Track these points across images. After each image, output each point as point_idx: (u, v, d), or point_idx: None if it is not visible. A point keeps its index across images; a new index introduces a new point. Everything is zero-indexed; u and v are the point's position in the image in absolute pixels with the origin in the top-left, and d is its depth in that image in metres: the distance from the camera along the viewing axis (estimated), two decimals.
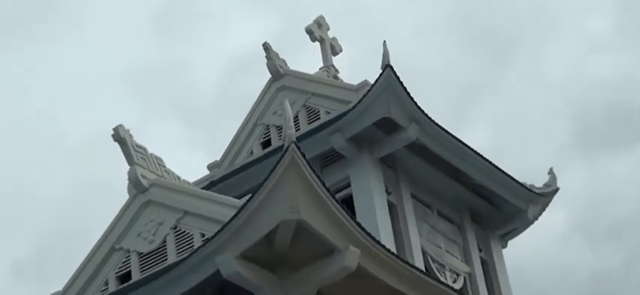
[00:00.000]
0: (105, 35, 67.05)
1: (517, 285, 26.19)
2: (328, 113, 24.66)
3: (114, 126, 20.93)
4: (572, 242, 61.22)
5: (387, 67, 23.07)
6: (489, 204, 25.72)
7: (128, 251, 20.56)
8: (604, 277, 60.28)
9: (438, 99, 48.07)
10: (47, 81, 67.77)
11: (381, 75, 23.16)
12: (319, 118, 24.78)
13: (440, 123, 23.81)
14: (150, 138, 21.39)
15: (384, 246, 18.48)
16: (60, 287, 20.87)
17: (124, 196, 21.05)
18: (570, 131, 66.51)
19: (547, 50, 67.86)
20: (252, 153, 25.93)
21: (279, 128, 24.86)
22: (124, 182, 20.93)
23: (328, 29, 28.00)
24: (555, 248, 56.59)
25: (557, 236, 53.69)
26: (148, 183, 20.65)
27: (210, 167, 26.24)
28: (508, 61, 67.43)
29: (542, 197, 26.40)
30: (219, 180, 24.87)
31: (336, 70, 27.57)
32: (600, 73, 65.88)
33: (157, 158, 21.39)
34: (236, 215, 17.23)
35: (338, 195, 19.77)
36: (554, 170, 27.06)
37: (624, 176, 63.75)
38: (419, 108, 23.27)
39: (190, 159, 52.41)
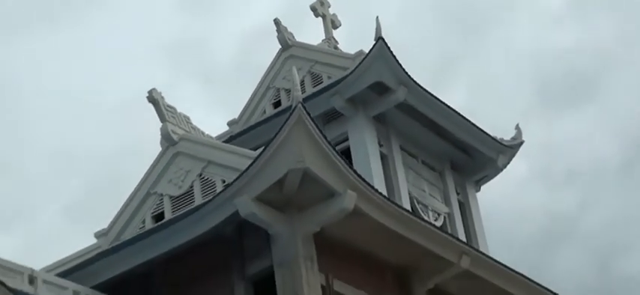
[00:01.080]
0: (139, 14, 66.97)
1: (487, 225, 26.35)
2: (329, 78, 24.60)
3: (148, 90, 21.11)
4: (533, 188, 61.17)
5: (379, 39, 23.08)
6: (466, 155, 25.68)
7: (161, 195, 20.64)
8: (560, 217, 60.77)
9: (422, 66, 47.76)
10: (92, 54, 67.88)
11: (374, 45, 23.13)
12: (322, 82, 24.74)
13: (424, 87, 23.88)
14: (178, 100, 21.46)
15: (377, 190, 18.63)
16: (105, 226, 21.18)
17: (157, 149, 21.13)
18: (533, 93, 66.30)
19: (514, 24, 67.65)
20: (265, 112, 25.86)
21: (288, 91, 24.75)
22: (157, 137, 20.96)
23: (329, 6, 27.90)
24: (519, 192, 56.53)
25: (521, 182, 53.72)
26: (177, 138, 20.67)
27: (229, 124, 26.18)
28: (481, 34, 67.25)
29: (509, 148, 26.40)
30: (237, 135, 24.83)
31: (336, 42, 27.50)
32: (559, 43, 65.80)
33: (184, 116, 21.43)
34: (252, 164, 17.40)
35: (338, 148, 19.76)
36: (519, 126, 27.05)
37: (578, 131, 63.90)
38: (406, 73, 23.27)
39: (212, 118, 52.78)
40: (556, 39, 67.11)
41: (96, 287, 18.37)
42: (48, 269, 18.56)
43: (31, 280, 16.80)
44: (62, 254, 20.56)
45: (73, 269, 18.98)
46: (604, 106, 66.92)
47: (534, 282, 21.59)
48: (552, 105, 66.70)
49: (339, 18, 28.11)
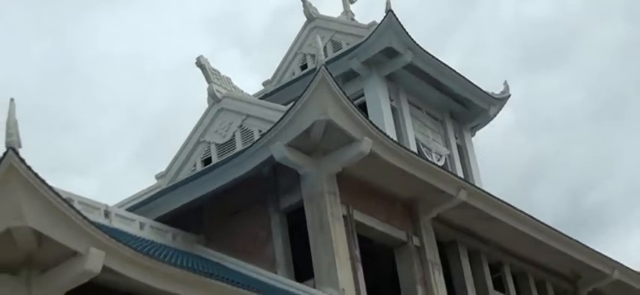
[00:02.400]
0: None
1: (481, 164, 26.42)
2: (348, 45, 24.61)
3: (196, 56, 21.20)
4: (517, 133, 61.34)
5: (388, 11, 23.12)
6: (462, 106, 25.68)
7: (209, 143, 20.76)
8: (539, 158, 61.19)
9: (423, 31, 47.90)
10: (148, 28, 68.40)
11: (384, 17, 23.19)
12: (341, 48, 24.74)
13: (427, 50, 23.90)
14: (220, 64, 21.57)
15: (388, 136, 18.73)
16: (163, 169, 21.43)
17: (204, 105, 21.28)
18: (517, 54, 66.44)
19: None
20: (293, 74, 25.87)
21: (313, 56, 24.75)
22: (205, 95, 21.12)
23: None
24: (506, 137, 56.61)
25: (507, 129, 53.94)
26: (221, 96, 20.77)
27: (264, 84, 26.21)
28: (472, 4, 67.37)
29: (499, 100, 26.40)
30: (270, 93, 24.85)
31: (353, 14, 27.39)
32: (539, 12, 66.08)
33: (226, 78, 21.44)
34: (283, 116, 17.43)
35: (355, 102, 19.87)
36: (507, 82, 27.12)
37: (554, 87, 64.34)
38: (412, 39, 23.27)
39: (249, 80, 52.97)
40: (536, 8, 67.33)
41: (157, 219, 18.54)
42: (119, 206, 18.77)
43: (106, 214, 17.04)
44: (129, 194, 20.85)
45: (139, 205, 19.25)
46: (576, 66, 67.39)
47: (520, 211, 21.63)
48: (533, 65, 67.06)
49: None
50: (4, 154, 10.70)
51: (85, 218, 11.28)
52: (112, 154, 65.21)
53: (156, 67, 68.23)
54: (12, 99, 11.14)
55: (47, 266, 11.34)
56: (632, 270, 25.77)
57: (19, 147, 10.86)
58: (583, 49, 66.88)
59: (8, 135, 10.90)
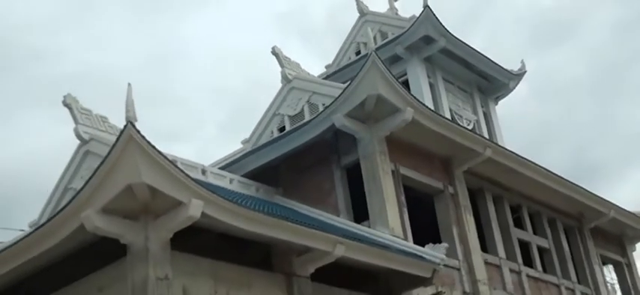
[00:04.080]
0: None
1: (502, 127, 26.15)
2: (393, 34, 24.38)
3: (271, 45, 21.10)
4: (531, 103, 60.94)
5: (426, 7, 22.96)
6: (487, 81, 25.34)
7: (283, 115, 20.81)
8: (548, 123, 60.75)
9: (453, 20, 47.53)
10: (231, 23, 68.98)
11: (422, 11, 22.98)
12: (387, 37, 24.49)
13: (457, 36, 23.74)
14: (290, 52, 21.63)
15: (427, 106, 18.69)
16: (247, 136, 21.54)
17: (278, 85, 21.25)
18: (530, 35, 65.82)
19: None
20: (349, 59, 25.64)
21: (365, 44, 24.65)
22: (278, 77, 21.07)
23: None
24: (522, 106, 56.31)
25: (523, 98, 53.62)
26: (292, 77, 20.76)
27: (326, 67, 26.17)
28: None
29: (517, 76, 26.05)
30: (331, 74, 24.74)
31: (397, 9, 27.17)
32: None
33: (296, 63, 21.32)
34: (342, 93, 17.45)
35: (399, 80, 19.82)
36: (523, 60, 26.75)
37: (561, 61, 64.09)
38: (445, 28, 23.06)
39: (314, 65, 52.81)
40: None
41: (244, 176, 18.72)
42: (212, 165, 19.00)
43: (203, 172, 17.25)
44: (220, 156, 21.06)
45: (228, 165, 19.42)
46: (579, 44, 66.28)
47: (535, 163, 21.50)
48: (543, 44, 66.42)
49: None
50: (124, 127, 10.94)
51: (187, 175, 11.43)
52: (205, 125, 66.14)
53: (238, 55, 68.86)
54: (129, 84, 11.31)
55: (159, 214, 11.52)
56: (625, 210, 25.65)
57: (136, 120, 11.03)
58: (584, 29, 66.30)
59: (127, 111, 11.08)
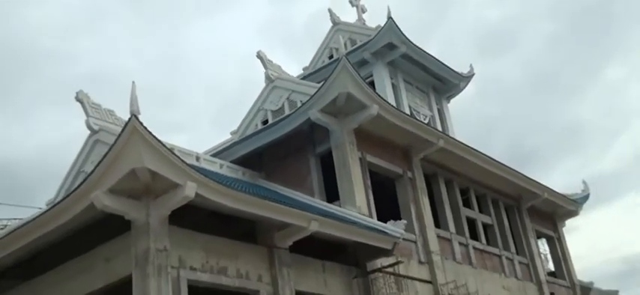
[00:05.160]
0: (247, 9, 67.60)
1: (454, 122, 26.16)
2: (361, 41, 24.21)
3: (257, 51, 20.81)
4: (477, 101, 61.56)
5: (389, 18, 22.85)
6: (441, 82, 25.34)
7: (266, 110, 20.70)
8: (491, 118, 60.99)
9: (413, 29, 47.67)
10: (222, 31, 68.52)
11: (386, 22, 22.91)
12: (356, 44, 24.37)
13: (416, 43, 23.63)
14: (273, 56, 21.28)
15: (390, 104, 18.71)
16: (235, 128, 21.41)
17: (262, 84, 21.08)
18: (477, 44, 66.45)
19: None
20: (324, 62, 25.53)
21: (337, 50, 24.51)
22: (262, 78, 20.95)
23: (359, 1, 27.39)
24: (470, 103, 56.82)
25: (471, 97, 54.27)
26: (274, 77, 20.65)
27: (304, 69, 25.90)
28: (447, 7, 67.12)
29: (466, 78, 25.94)
30: (308, 75, 24.61)
31: (364, 20, 26.88)
32: (492, 14, 65.64)
33: (277, 65, 21.13)
34: (316, 91, 17.42)
35: (366, 80, 19.78)
36: (472, 64, 26.69)
37: (502, 66, 63.52)
38: (406, 37, 23.03)
39: (292, 66, 52.87)
40: (489, 11, 67.32)
41: (232, 162, 18.64)
42: (205, 153, 18.88)
43: (197, 158, 17.15)
44: (212, 144, 20.96)
45: (219, 152, 19.34)
46: (519, 50, 66.88)
47: (480, 152, 21.60)
48: (488, 51, 67.09)
49: (365, 6, 27.64)
50: (129, 119, 10.91)
51: (183, 161, 11.43)
52: (199, 118, 65.98)
53: (229, 58, 68.77)
54: (133, 82, 11.26)
55: (158, 194, 11.51)
56: (557, 192, 25.81)
57: (139, 113, 10.98)
58: (523, 39, 67.29)
59: (131, 105, 11.03)
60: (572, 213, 27.21)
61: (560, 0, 65.55)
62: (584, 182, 27.90)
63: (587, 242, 60.16)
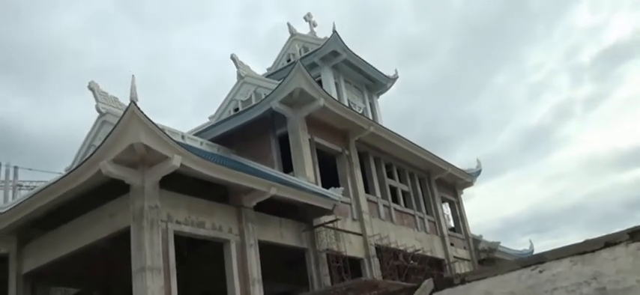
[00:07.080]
0: (220, 20, 66.16)
1: (383, 112, 26.34)
2: (312, 49, 24.00)
3: (230, 53, 20.57)
4: (399, 97, 61.77)
5: (334, 31, 22.75)
6: (372, 82, 25.45)
7: (237, 100, 20.37)
8: (411, 109, 60.84)
9: (352, 39, 47.73)
10: (204, 35, 66.85)
11: (332, 35, 22.79)
12: (309, 51, 24.10)
13: (354, 51, 23.53)
14: (243, 57, 21.02)
15: (333, 98, 18.65)
16: (213, 113, 20.99)
17: (234, 80, 20.67)
18: (399, 51, 66.88)
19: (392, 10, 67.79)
20: (284, 64, 25.17)
21: (293, 55, 24.21)
22: (235, 75, 20.58)
23: (312, 17, 27.18)
24: (393, 98, 56.97)
25: (394, 94, 54.40)
26: (244, 75, 20.34)
27: (268, 69, 25.49)
28: (379, 23, 67.21)
29: (392, 79, 25.96)
30: (271, 74, 24.29)
31: (315, 32, 26.57)
32: (410, 28, 66.04)
33: (247, 65, 20.78)
34: (277, 87, 17.31)
35: (316, 79, 19.69)
36: (397, 69, 26.82)
37: (417, 71, 64.20)
38: (346, 46, 22.98)
39: (259, 66, 52.15)
40: (409, 27, 67.39)
41: (210, 140, 18.43)
42: (189, 132, 18.63)
43: (183, 137, 16.97)
44: (194, 126, 20.46)
45: (200, 132, 19.06)
46: (433, 56, 67.33)
47: (401, 136, 21.79)
48: (409, 55, 67.59)
49: (315, 21, 27.48)
50: (129, 105, 10.85)
51: (171, 138, 11.43)
52: (184, 105, 64.91)
53: (208, 58, 67.63)
54: (133, 75, 11.13)
55: (152, 164, 11.47)
56: (458, 168, 26.00)
57: (137, 100, 10.87)
58: (437, 48, 68.15)
59: (131, 93, 10.92)
60: (469, 184, 27.56)
61: (466, 18, 66.69)
62: (477, 160, 28.32)
63: (478, 206, 62.11)
